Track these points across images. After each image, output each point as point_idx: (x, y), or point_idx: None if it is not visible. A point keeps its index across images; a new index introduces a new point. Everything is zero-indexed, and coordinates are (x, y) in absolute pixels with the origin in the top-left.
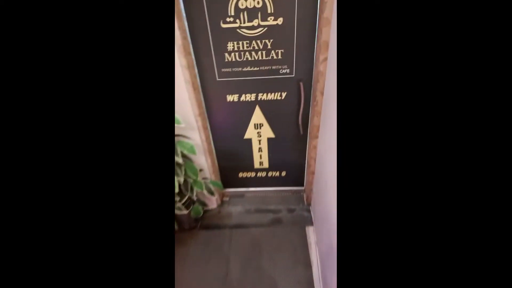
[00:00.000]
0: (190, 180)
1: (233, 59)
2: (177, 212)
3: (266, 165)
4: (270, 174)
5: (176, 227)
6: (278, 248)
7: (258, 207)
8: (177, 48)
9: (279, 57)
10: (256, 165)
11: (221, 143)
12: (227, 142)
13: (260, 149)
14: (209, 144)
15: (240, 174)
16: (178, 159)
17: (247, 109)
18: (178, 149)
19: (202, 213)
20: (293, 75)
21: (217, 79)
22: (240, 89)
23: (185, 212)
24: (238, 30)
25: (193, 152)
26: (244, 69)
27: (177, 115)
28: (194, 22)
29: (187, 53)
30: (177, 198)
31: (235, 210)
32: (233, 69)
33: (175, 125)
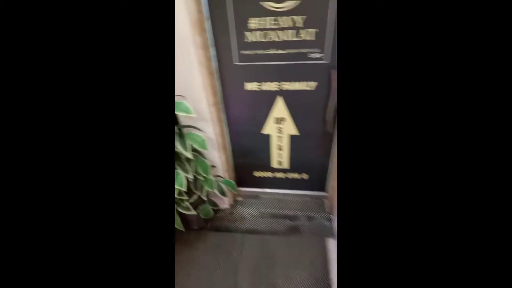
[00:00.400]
0: (200, 178)
1: (256, 39)
2: (184, 212)
3: (285, 165)
4: (289, 175)
5: (182, 227)
6: (294, 262)
7: (274, 212)
8: (190, 24)
9: (311, 38)
10: (275, 164)
11: (236, 138)
12: (244, 137)
13: (280, 147)
14: (223, 138)
15: (256, 173)
16: (188, 153)
17: (268, 100)
18: (188, 142)
19: (212, 214)
20: (326, 61)
21: (236, 63)
22: (262, 75)
23: (193, 212)
24: (262, 3)
25: (204, 147)
26: (268, 52)
27: (187, 103)
28: None
29: (202, 30)
30: (185, 197)
31: (249, 213)
32: (255, 52)
33: (185, 114)
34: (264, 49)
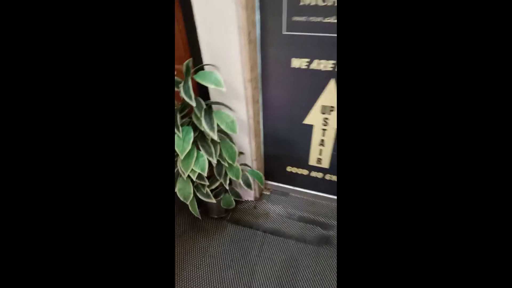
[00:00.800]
0: (225, 164)
1: (313, 2)
2: (204, 199)
3: (325, 164)
4: (328, 177)
5: (199, 214)
6: (318, 276)
7: (303, 215)
8: None
9: None
10: (312, 161)
11: (272, 124)
12: (281, 124)
13: (322, 142)
14: (257, 123)
15: (289, 168)
16: (213, 135)
17: (318, 83)
18: (215, 121)
19: (233, 205)
20: None
21: (284, 32)
22: (314, 50)
23: (213, 200)
24: None
25: (234, 129)
26: (326, 20)
27: (219, 75)
28: None
29: None
30: (206, 182)
31: (274, 211)
32: (310, 19)
33: (216, 87)
34: (323, 16)
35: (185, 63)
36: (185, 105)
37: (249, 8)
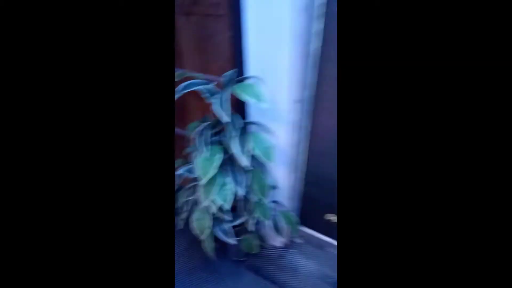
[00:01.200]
0: (254, 198)
1: None
2: (222, 237)
3: None
4: None
5: (214, 254)
6: None
7: None
8: None
9: None
10: None
11: (317, 158)
12: (328, 160)
13: None
14: (298, 153)
15: (329, 216)
16: (245, 160)
17: None
18: (249, 144)
19: (256, 250)
20: None
21: None
22: None
23: (232, 241)
24: None
25: (269, 157)
26: None
27: (260, 87)
28: None
29: None
30: (227, 217)
31: (305, 266)
32: None
33: (256, 101)
34: None
35: (227, 73)
36: (217, 121)
37: (311, 14)
